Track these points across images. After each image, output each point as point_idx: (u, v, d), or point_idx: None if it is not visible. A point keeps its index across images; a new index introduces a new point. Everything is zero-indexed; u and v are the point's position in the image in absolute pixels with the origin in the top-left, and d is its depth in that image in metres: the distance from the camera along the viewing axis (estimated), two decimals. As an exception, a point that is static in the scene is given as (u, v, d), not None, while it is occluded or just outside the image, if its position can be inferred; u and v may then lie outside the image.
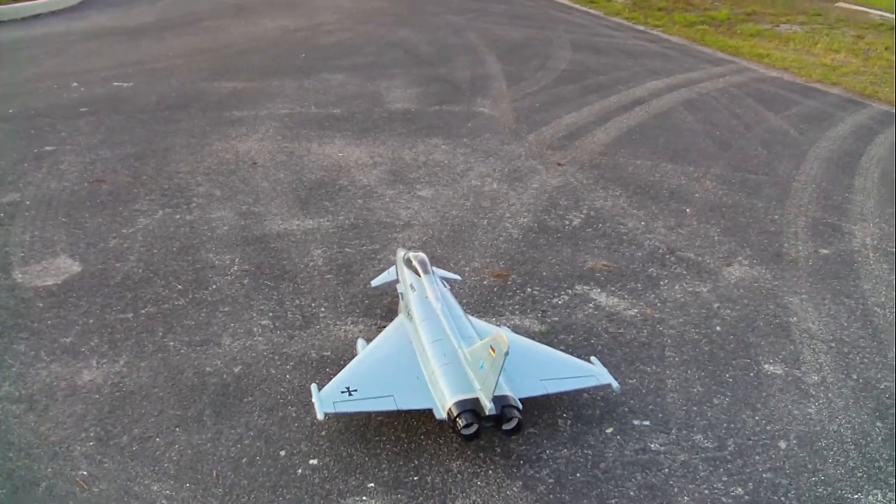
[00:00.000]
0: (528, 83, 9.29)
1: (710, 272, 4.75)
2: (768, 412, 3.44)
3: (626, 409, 3.41)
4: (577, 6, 16.65)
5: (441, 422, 3.02)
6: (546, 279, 4.58)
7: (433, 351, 3.21)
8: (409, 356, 3.29)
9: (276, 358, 3.73)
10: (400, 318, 3.63)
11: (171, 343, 3.82)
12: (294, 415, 3.32)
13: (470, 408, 2.91)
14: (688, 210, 5.70)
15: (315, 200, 5.60)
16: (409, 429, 3.22)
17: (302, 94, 8.43)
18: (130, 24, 12.34)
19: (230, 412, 3.33)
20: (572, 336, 3.98)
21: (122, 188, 5.71)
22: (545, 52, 11.11)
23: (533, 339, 3.78)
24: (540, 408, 3.36)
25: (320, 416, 2.93)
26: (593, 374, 3.31)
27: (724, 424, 3.35)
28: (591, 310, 4.25)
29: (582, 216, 5.50)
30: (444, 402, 2.98)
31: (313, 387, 3.10)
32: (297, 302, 4.23)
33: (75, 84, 8.50)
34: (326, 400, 3.00)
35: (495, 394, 2.91)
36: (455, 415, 2.90)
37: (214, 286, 4.38)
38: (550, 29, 13.26)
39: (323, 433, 3.20)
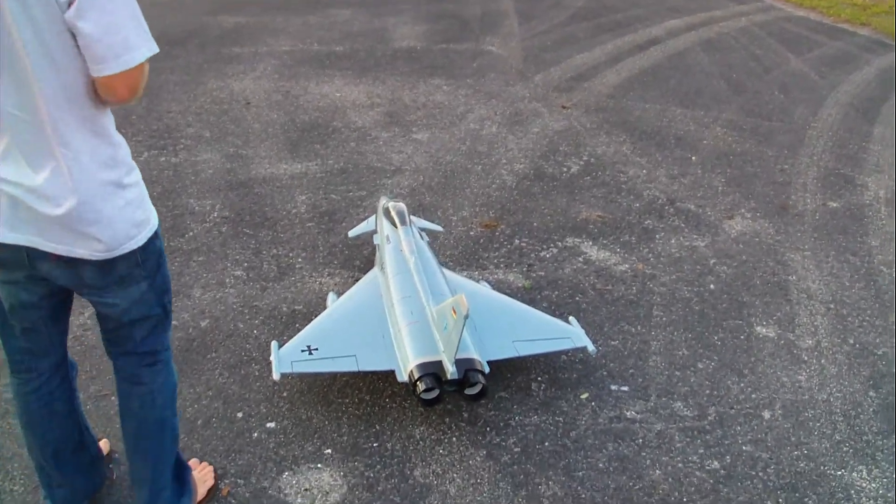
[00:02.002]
0: (540, 21, 8.93)
1: (710, 225, 4.52)
2: (755, 379, 3.25)
3: (605, 373, 3.24)
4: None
5: (403, 384, 2.87)
6: (536, 230, 4.37)
7: (401, 308, 3.03)
8: (378, 313, 3.12)
9: (246, 311, 3.58)
10: (373, 272, 3.45)
11: (139, 293, 3.68)
12: (257, 373, 3.18)
13: (432, 371, 2.74)
14: (693, 158, 5.43)
15: (306, 143, 5.40)
16: (373, 391, 3.08)
17: (305, 31, 8.16)
18: None
19: (191, 369, 3.20)
20: (557, 293, 3.79)
21: (110, 128, 5.52)
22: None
23: (514, 295, 3.61)
24: (513, 370, 3.19)
25: (276, 377, 2.79)
26: (570, 335, 3.12)
27: (707, 391, 3.17)
28: (579, 264, 4.05)
29: (581, 163, 5.25)
30: (406, 364, 2.82)
31: (273, 344, 2.94)
32: (274, 251, 4.07)
33: None
34: (285, 359, 2.85)
35: (461, 356, 2.74)
36: (415, 378, 2.74)
37: (191, 233, 4.23)
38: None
39: (284, 394, 3.06)
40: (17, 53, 1.64)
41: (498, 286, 3.76)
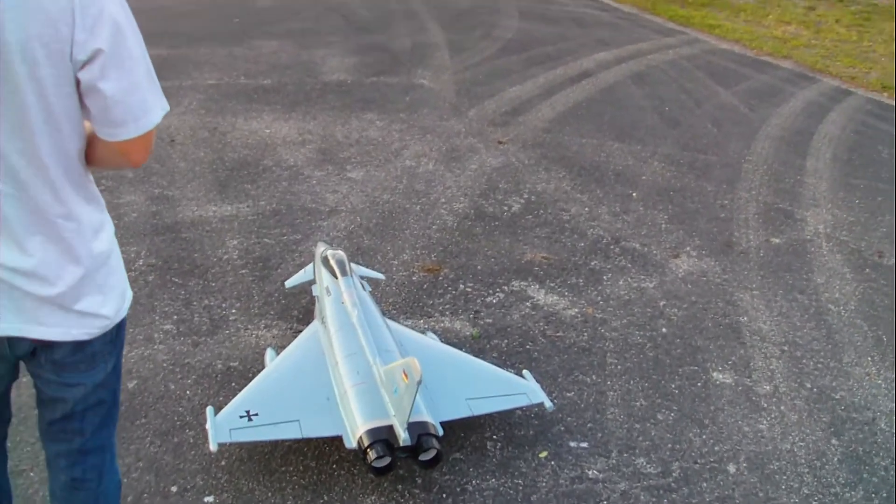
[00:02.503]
0: (471, 53, 8.87)
1: (657, 265, 4.45)
2: (717, 429, 3.15)
3: (563, 429, 3.09)
4: (526, -29, 16.17)
5: (352, 450, 2.66)
6: (481, 274, 4.22)
7: (346, 367, 2.84)
8: (321, 372, 2.91)
9: (178, 370, 3.32)
10: (314, 326, 3.24)
11: (57, 353, 3.39)
12: (192, 440, 2.93)
13: (383, 437, 2.55)
14: (634, 194, 5.38)
15: (235, 183, 5.16)
16: (319, 456, 2.86)
17: (231, 63, 7.91)
18: None
19: (119, 438, 2.89)
20: (506, 341, 3.64)
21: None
22: (491, 21, 10.68)
23: (462, 345, 3.45)
24: (467, 428, 3.02)
25: (213, 448, 2.56)
26: (525, 391, 2.96)
27: (669, 445, 3.05)
28: (527, 309, 3.91)
29: (522, 201, 5.15)
30: (354, 430, 2.62)
31: (209, 410, 2.71)
32: (206, 302, 3.82)
33: None
34: (222, 426, 2.62)
35: (413, 419, 2.56)
36: (366, 445, 2.54)
37: (114, 284, 3.93)
38: (497, -5, 12.80)
39: (223, 463, 2.82)
40: (23, 120, 1.45)
41: (445, 335, 3.59)
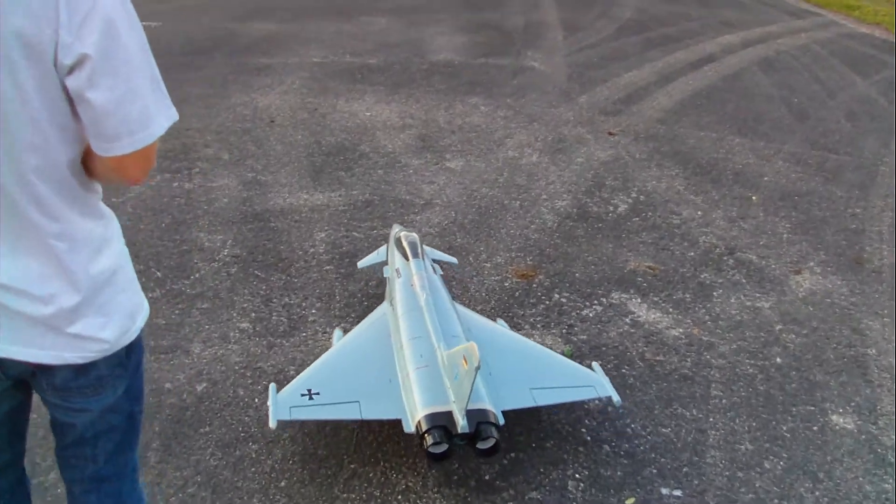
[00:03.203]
0: (586, 33, 8.47)
1: (775, 281, 4.04)
2: (833, 485, 2.78)
3: (655, 471, 2.79)
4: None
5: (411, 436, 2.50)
6: (578, 283, 3.93)
7: (410, 351, 2.74)
8: (385, 354, 2.83)
9: (249, 375, 3.19)
10: (382, 307, 3.16)
11: (132, 349, 3.31)
12: (254, 455, 2.78)
13: (441, 423, 2.43)
14: (754, 198, 4.94)
15: (330, 170, 5.01)
16: (384, 484, 2.66)
17: (338, 40, 7.79)
18: None
19: (181, 447, 2.81)
20: (601, 361, 3.34)
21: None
22: (610, -3, 10.21)
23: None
24: (547, 464, 2.76)
25: (272, 425, 2.50)
26: (592, 383, 2.81)
27: (776, 501, 2.70)
28: (626, 327, 3.60)
29: (630, 201, 4.80)
30: (414, 414, 2.52)
31: (271, 388, 2.65)
32: (286, 300, 3.68)
33: None
34: (283, 404, 2.57)
35: (473, 406, 2.45)
36: (423, 430, 2.43)
37: (198, 275, 3.85)
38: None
39: (282, 483, 2.66)
40: (2, 128, 1.26)
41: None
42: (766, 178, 5.22)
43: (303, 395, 2.61)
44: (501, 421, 2.52)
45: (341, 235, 4.25)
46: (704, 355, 3.44)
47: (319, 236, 4.23)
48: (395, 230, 3.49)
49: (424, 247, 3.33)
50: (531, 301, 3.76)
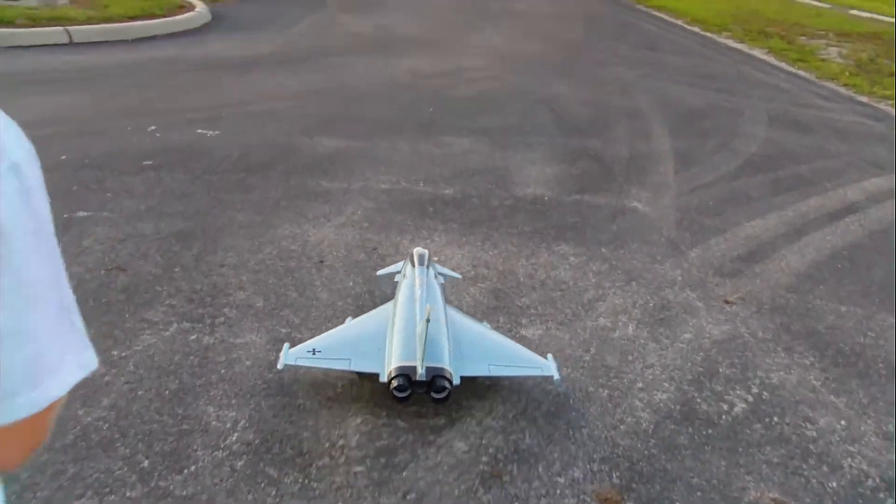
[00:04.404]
0: (703, 169, 8.01)
1: (948, 536, 3.34)
2: None
3: None
4: (780, 64, 15.16)
5: None
6: (680, 518, 3.31)
7: (398, 326, 3.87)
8: (381, 332, 3.93)
9: None
10: (388, 304, 4.26)
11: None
12: None
13: (406, 373, 3.55)
14: (915, 404, 4.27)
15: (380, 330, 4.57)
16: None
17: (413, 162, 7.53)
18: (248, 54, 12.02)
19: None
20: None
21: (144, 283, 4.90)
22: (731, 126, 9.81)
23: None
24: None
25: (280, 366, 3.76)
26: (541, 367, 3.91)
27: None
28: None
29: (750, 398, 4.19)
30: (389, 367, 3.63)
31: (286, 346, 3.85)
32: (298, 516, 3.17)
33: (153, 127, 7.99)
34: (291, 356, 3.77)
35: (435, 365, 3.57)
36: (392, 377, 3.56)
37: (194, 468, 3.40)
38: (742, 94, 11.90)
39: None
40: None
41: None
42: (929, 377, 4.54)
43: (308, 352, 3.79)
44: (457, 381, 3.62)
45: (382, 424, 3.75)
46: None
47: (354, 423, 3.74)
48: (413, 249, 4.61)
49: (433, 261, 4.57)
50: (615, 543, 3.16)
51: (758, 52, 16.65)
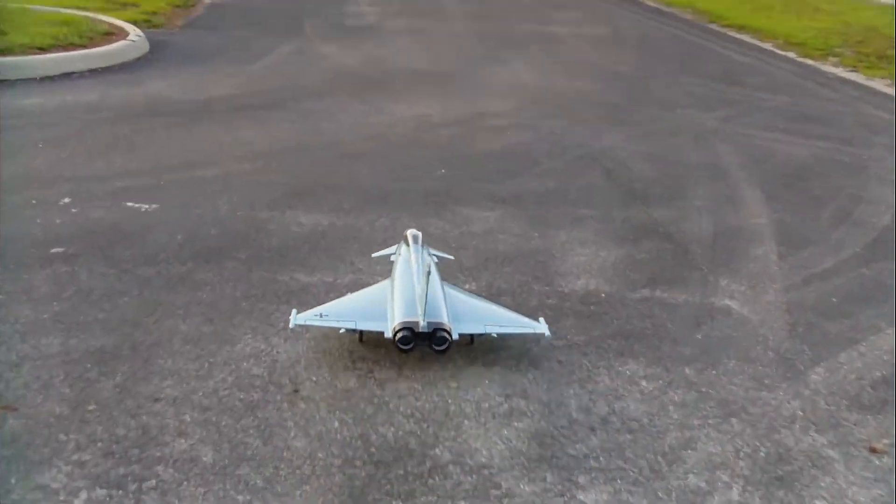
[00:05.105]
0: (818, 251, 7.78)
1: None
2: None
3: None
4: (907, 101, 15.07)
5: None
6: None
7: (399, 291, 5.43)
8: (382, 300, 5.51)
9: None
10: (385, 281, 5.82)
11: None
12: None
13: (409, 326, 5.04)
14: None
15: (378, 495, 4.24)
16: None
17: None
18: (198, 98, 12.10)
19: None
20: None
21: (42, 428, 4.60)
22: (851, 188, 9.66)
23: None
24: None
25: (291, 326, 5.28)
26: (533, 328, 5.51)
27: None
28: None
29: None
30: (393, 324, 5.12)
31: (294, 311, 5.38)
32: None
33: (67, 200, 7.93)
34: (300, 319, 5.28)
35: (435, 320, 5.09)
36: (397, 330, 5.06)
37: None
38: (863, 142, 11.79)
39: None
40: None
41: None
42: None
43: (315, 315, 5.30)
44: (455, 336, 5.13)
45: None
46: None
47: None
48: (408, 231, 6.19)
49: (425, 244, 6.02)
50: None
51: (878, 84, 16.63)
